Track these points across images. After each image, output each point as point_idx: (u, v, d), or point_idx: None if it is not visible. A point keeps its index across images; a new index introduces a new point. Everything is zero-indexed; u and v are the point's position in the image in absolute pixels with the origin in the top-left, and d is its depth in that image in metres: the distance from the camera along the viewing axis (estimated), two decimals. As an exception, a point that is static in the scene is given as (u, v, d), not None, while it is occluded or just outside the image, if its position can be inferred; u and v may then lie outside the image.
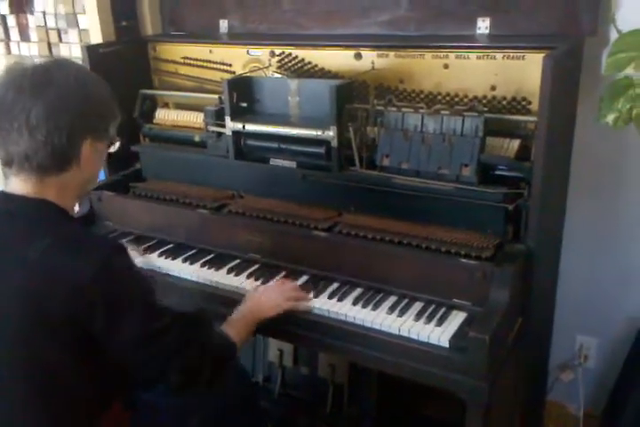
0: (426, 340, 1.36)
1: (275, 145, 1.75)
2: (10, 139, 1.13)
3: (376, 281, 1.53)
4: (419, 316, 1.42)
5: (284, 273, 1.64)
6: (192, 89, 2.06)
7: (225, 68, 1.98)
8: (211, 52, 2.00)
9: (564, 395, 2.05)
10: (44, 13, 2.34)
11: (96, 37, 2.14)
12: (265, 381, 2.13)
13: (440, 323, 1.40)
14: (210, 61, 2.01)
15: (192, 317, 1.29)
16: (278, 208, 1.76)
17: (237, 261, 1.71)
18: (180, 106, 2.09)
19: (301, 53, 1.84)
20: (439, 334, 1.36)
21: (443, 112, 1.56)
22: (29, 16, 2.39)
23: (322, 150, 1.67)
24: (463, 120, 1.52)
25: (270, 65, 1.89)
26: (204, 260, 1.73)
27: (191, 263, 1.72)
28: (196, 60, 2.03)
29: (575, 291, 1.94)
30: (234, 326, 1.38)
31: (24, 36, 2.45)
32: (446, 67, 1.63)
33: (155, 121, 2.09)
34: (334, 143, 1.64)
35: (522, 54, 1.53)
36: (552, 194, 1.59)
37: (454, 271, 1.43)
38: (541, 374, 2.00)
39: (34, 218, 1.17)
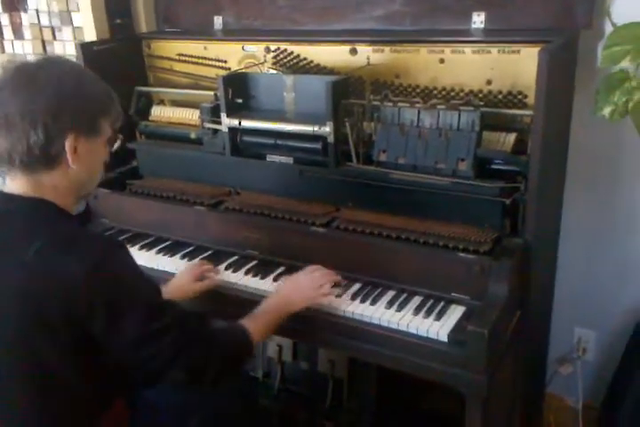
0: (425, 334, 1.36)
1: (271, 141, 1.75)
2: None
3: (374, 276, 1.54)
4: (417, 310, 1.43)
5: (282, 269, 1.64)
6: (187, 86, 2.05)
7: (220, 64, 1.98)
8: (205, 48, 1.99)
9: (563, 388, 2.06)
10: (37, 11, 2.33)
11: (90, 35, 2.14)
12: (264, 376, 2.13)
13: (439, 317, 1.40)
14: (205, 58, 2.00)
15: (195, 315, 1.28)
16: (275, 204, 1.76)
17: (235, 257, 1.71)
18: (176, 103, 2.09)
19: (297, 49, 1.83)
20: (438, 328, 1.36)
21: (439, 107, 1.56)
22: (23, 14, 2.38)
23: (318, 146, 1.67)
24: (459, 115, 1.52)
25: (265, 61, 1.89)
26: (201, 257, 1.73)
27: (189, 260, 1.72)
28: (191, 56, 2.03)
29: (573, 284, 1.94)
30: (256, 322, 1.36)
31: (18, 35, 2.43)
32: (442, 61, 1.63)
33: (150, 118, 2.08)
34: (331, 139, 1.64)
35: (517, 48, 1.53)
36: (549, 187, 1.60)
37: (452, 266, 1.44)
38: (540, 367, 2.01)
39: (32, 218, 1.17)
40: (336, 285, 1.51)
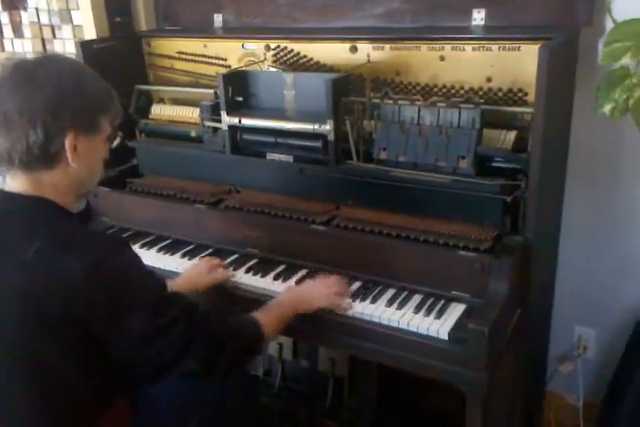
0: (425, 332, 1.36)
1: (271, 139, 1.75)
2: None
3: (375, 274, 1.54)
4: (418, 308, 1.43)
5: (282, 267, 1.64)
6: (187, 84, 2.05)
7: (220, 62, 1.98)
8: (205, 46, 1.99)
9: (564, 386, 2.06)
10: (37, 10, 2.32)
11: (90, 33, 2.13)
12: (265, 375, 2.13)
13: (439, 315, 1.40)
14: (205, 56, 2.00)
15: (202, 309, 1.27)
16: (276, 202, 1.76)
17: (235, 255, 1.71)
18: (176, 101, 2.09)
19: (297, 47, 1.83)
20: (438, 326, 1.36)
21: (439, 104, 1.56)
22: (22, 12, 2.37)
23: (319, 144, 1.67)
24: (460, 112, 1.52)
25: (266, 59, 1.89)
26: (202, 255, 1.73)
27: (189, 259, 1.72)
28: (191, 54, 2.02)
29: (573, 282, 1.94)
30: (268, 315, 1.37)
31: (17, 33, 2.43)
32: (442, 59, 1.63)
33: (150, 116, 2.08)
34: (331, 137, 1.64)
35: (517, 45, 1.52)
36: (549, 185, 1.59)
37: (453, 264, 1.44)
38: (540, 365, 2.01)
39: (32, 217, 1.16)
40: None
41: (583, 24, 1.59)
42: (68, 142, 1.15)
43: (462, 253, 1.45)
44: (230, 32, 2.02)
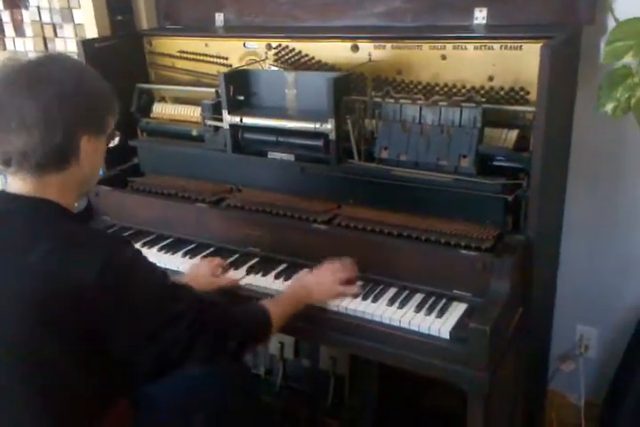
0: (426, 331, 1.36)
1: (272, 138, 1.75)
2: (7, 138, 1.12)
3: (376, 273, 1.53)
4: (419, 307, 1.42)
5: (283, 266, 1.64)
6: (189, 83, 2.05)
7: (221, 61, 1.98)
8: (207, 45, 1.99)
9: (565, 385, 2.06)
10: (38, 8, 2.33)
11: (91, 32, 2.13)
12: (266, 374, 2.13)
13: (441, 314, 1.40)
14: (206, 55, 2.00)
15: (208, 299, 1.29)
16: (277, 201, 1.75)
17: (237, 255, 1.71)
18: (177, 100, 2.09)
19: (298, 46, 1.83)
20: (440, 325, 1.36)
21: (441, 103, 1.55)
22: (24, 11, 2.37)
23: (320, 143, 1.67)
24: (461, 111, 1.52)
25: (267, 58, 1.88)
26: (203, 254, 1.73)
27: (191, 258, 1.72)
28: (193, 53, 2.02)
29: (575, 281, 1.94)
30: (276, 304, 1.39)
31: (19, 32, 2.43)
32: (444, 58, 1.63)
33: (152, 115, 2.08)
34: (332, 136, 1.64)
35: (519, 44, 1.52)
36: (551, 184, 1.59)
37: (454, 263, 1.43)
38: (542, 364, 2.01)
39: (34, 218, 1.16)
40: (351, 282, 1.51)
41: (585, 23, 1.59)
42: (83, 144, 1.17)
43: (464, 252, 1.44)
44: (231, 31, 2.02)
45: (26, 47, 2.44)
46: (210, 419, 1.43)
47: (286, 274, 1.60)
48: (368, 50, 1.71)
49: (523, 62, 1.52)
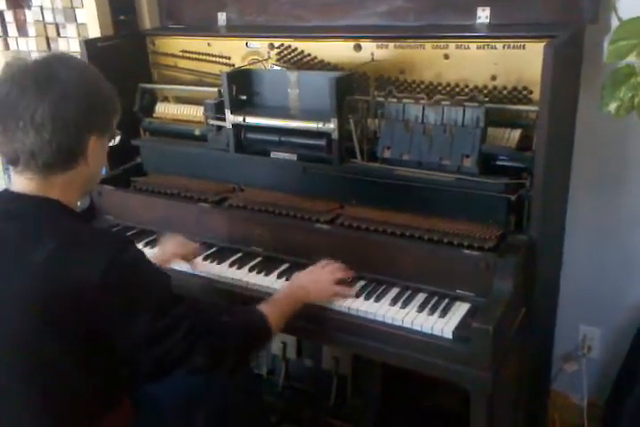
0: (429, 331, 1.36)
1: (275, 138, 1.75)
2: (15, 137, 1.12)
3: (379, 273, 1.53)
4: (422, 307, 1.42)
5: (286, 266, 1.64)
6: (191, 82, 2.05)
7: (224, 60, 1.98)
8: (209, 45, 1.99)
9: (568, 385, 2.05)
10: (41, 8, 2.33)
11: (94, 32, 2.14)
12: (269, 373, 2.13)
13: (443, 314, 1.39)
14: (209, 54, 2.00)
15: (206, 304, 1.28)
16: (279, 201, 1.75)
17: (239, 254, 1.71)
18: (180, 99, 2.09)
19: (301, 45, 1.83)
20: (442, 325, 1.36)
21: (443, 103, 1.55)
22: (27, 11, 2.38)
23: (322, 143, 1.67)
24: (464, 110, 1.51)
25: (269, 57, 1.88)
26: (205, 253, 1.72)
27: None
28: (195, 53, 2.03)
29: (578, 281, 1.93)
30: (274, 307, 1.37)
31: (22, 32, 2.43)
32: (446, 57, 1.63)
33: (155, 115, 2.08)
34: (335, 135, 1.64)
35: (522, 43, 1.52)
36: (554, 184, 1.59)
37: (457, 262, 1.43)
38: (545, 364, 2.00)
39: (37, 217, 1.16)
40: (344, 281, 1.51)
41: (588, 22, 1.58)
42: (91, 144, 1.17)
43: (467, 251, 1.44)
44: (234, 30, 2.02)
45: (29, 47, 2.44)
46: (211, 419, 1.43)
47: (288, 274, 1.60)
48: (371, 49, 1.71)
49: (526, 61, 1.52)
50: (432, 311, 1.41)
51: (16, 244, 1.14)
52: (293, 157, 1.76)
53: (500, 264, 1.37)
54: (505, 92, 1.58)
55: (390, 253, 1.52)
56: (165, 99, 2.12)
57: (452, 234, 1.51)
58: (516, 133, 1.53)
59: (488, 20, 1.66)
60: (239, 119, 1.77)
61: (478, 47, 1.58)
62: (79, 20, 2.24)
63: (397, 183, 1.60)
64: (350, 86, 1.66)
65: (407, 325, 1.38)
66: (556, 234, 1.82)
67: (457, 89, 1.64)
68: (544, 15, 1.60)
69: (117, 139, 1.30)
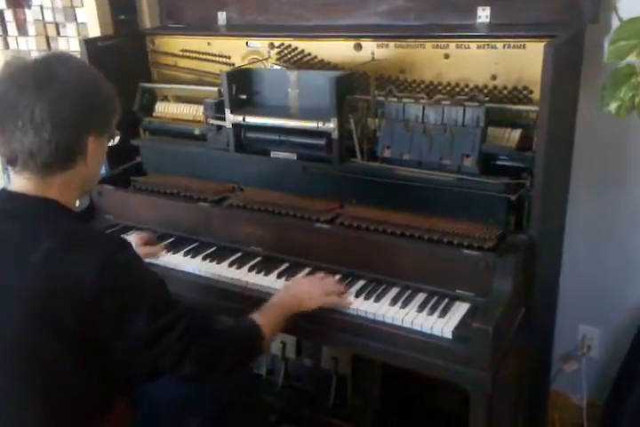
0: (429, 331, 1.36)
1: (275, 137, 1.75)
2: (14, 137, 1.11)
3: (379, 273, 1.53)
4: (422, 307, 1.42)
5: (286, 266, 1.63)
6: (191, 82, 2.05)
7: (224, 60, 1.98)
8: (209, 44, 1.99)
9: (568, 385, 2.05)
10: (41, 7, 2.33)
11: (94, 31, 2.14)
12: (268, 373, 2.13)
13: (443, 314, 1.39)
14: (209, 54, 2.00)
15: (201, 310, 1.28)
16: (279, 201, 1.75)
17: (239, 254, 1.71)
18: (180, 99, 2.09)
19: (301, 45, 1.83)
20: (442, 325, 1.36)
21: (444, 102, 1.55)
22: (27, 10, 2.38)
23: (322, 142, 1.67)
24: (464, 110, 1.51)
25: (269, 57, 1.88)
26: (205, 253, 1.72)
27: (192, 257, 1.72)
28: (195, 52, 2.03)
29: (578, 281, 1.93)
30: (266, 316, 1.36)
31: (22, 31, 2.43)
32: (447, 57, 1.62)
33: (154, 114, 2.08)
34: (335, 135, 1.64)
35: (522, 43, 1.52)
36: (554, 183, 1.59)
37: (457, 262, 1.43)
38: (544, 364, 2.00)
39: (35, 217, 1.16)
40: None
41: (589, 22, 1.58)
42: (90, 144, 1.17)
43: (466, 251, 1.44)
44: (234, 30, 2.02)
45: (28, 46, 2.44)
46: (210, 419, 1.43)
47: (288, 273, 1.60)
48: (371, 49, 1.71)
49: (526, 61, 1.52)
50: (432, 311, 1.40)
51: (15, 243, 1.14)
52: (293, 156, 1.76)
53: (499, 264, 1.37)
54: (505, 91, 1.58)
55: (390, 252, 1.52)
56: (165, 98, 2.12)
57: (452, 234, 1.51)
58: (516, 133, 1.52)
59: (488, 20, 1.66)
60: (239, 119, 1.77)
61: (478, 47, 1.57)
62: (79, 20, 2.24)
63: (397, 183, 1.60)
64: (350, 86, 1.66)
65: (407, 325, 1.38)
66: (555, 234, 1.82)
67: (457, 89, 1.63)
68: (544, 15, 1.60)
69: (117, 139, 1.30)
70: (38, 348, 1.12)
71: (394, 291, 1.50)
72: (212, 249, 1.74)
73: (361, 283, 1.53)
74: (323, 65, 1.81)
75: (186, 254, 1.73)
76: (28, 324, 1.11)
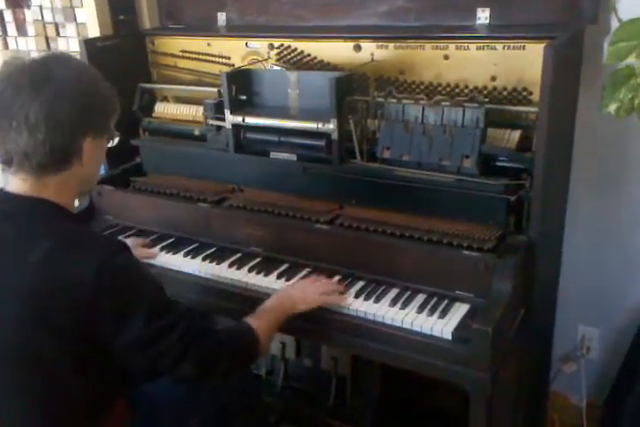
0: (429, 332, 1.36)
1: (275, 138, 1.75)
2: (9, 137, 1.11)
3: (378, 274, 1.53)
4: (421, 308, 1.42)
5: (285, 266, 1.63)
6: (191, 82, 2.05)
7: (224, 60, 1.98)
8: (209, 45, 1.99)
9: (567, 386, 2.05)
10: (40, 7, 2.33)
11: (94, 31, 2.14)
12: (268, 374, 2.13)
13: (443, 315, 1.39)
14: (208, 54, 2.00)
15: (200, 312, 1.28)
16: (279, 201, 1.75)
17: (239, 254, 1.71)
18: (180, 99, 2.09)
19: (300, 46, 1.83)
20: (442, 325, 1.36)
21: (443, 103, 1.55)
22: (26, 10, 2.38)
23: (322, 143, 1.67)
24: (464, 111, 1.51)
25: (269, 57, 1.88)
26: (205, 254, 1.72)
27: (192, 257, 1.72)
28: (195, 53, 2.03)
29: (577, 282, 1.93)
30: (261, 320, 1.36)
31: (21, 31, 2.43)
32: (446, 58, 1.62)
33: (154, 115, 2.08)
34: (335, 136, 1.64)
35: (522, 44, 1.52)
36: (554, 184, 1.59)
37: (457, 263, 1.43)
38: (544, 365, 2.00)
39: (31, 218, 1.16)
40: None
41: (588, 23, 1.58)
42: (86, 145, 1.17)
43: (466, 252, 1.44)
44: (234, 30, 2.02)
45: (28, 46, 2.44)
46: (210, 419, 1.43)
47: (288, 274, 1.60)
48: (370, 50, 1.71)
49: (525, 62, 1.52)
50: (431, 312, 1.41)
51: (14, 244, 1.14)
52: (293, 157, 1.76)
53: (499, 265, 1.37)
54: (505, 92, 1.58)
55: (390, 253, 1.52)
56: (165, 99, 2.12)
57: (452, 235, 1.51)
58: (515, 134, 1.53)
59: (488, 21, 1.66)
60: (239, 119, 1.77)
61: (478, 48, 1.58)
62: (79, 20, 2.25)
63: (397, 184, 1.60)
64: (350, 87, 1.66)
65: (407, 325, 1.38)
66: (555, 234, 1.82)
67: (457, 90, 1.64)
68: (544, 16, 1.60)
69: (116, 140, 1.30)
70: (37, 348, 1.12)
71: (393, 292, 1.50)
72: (211, 250, 1.74)
73: (361, 284, 1.53)
74: (322, 66, 1.81)
75: (186, 255, 1.73)
76: (27, 324, 1.11)
